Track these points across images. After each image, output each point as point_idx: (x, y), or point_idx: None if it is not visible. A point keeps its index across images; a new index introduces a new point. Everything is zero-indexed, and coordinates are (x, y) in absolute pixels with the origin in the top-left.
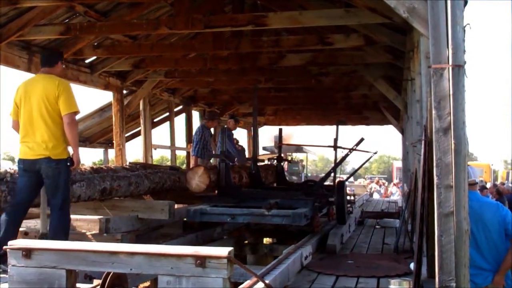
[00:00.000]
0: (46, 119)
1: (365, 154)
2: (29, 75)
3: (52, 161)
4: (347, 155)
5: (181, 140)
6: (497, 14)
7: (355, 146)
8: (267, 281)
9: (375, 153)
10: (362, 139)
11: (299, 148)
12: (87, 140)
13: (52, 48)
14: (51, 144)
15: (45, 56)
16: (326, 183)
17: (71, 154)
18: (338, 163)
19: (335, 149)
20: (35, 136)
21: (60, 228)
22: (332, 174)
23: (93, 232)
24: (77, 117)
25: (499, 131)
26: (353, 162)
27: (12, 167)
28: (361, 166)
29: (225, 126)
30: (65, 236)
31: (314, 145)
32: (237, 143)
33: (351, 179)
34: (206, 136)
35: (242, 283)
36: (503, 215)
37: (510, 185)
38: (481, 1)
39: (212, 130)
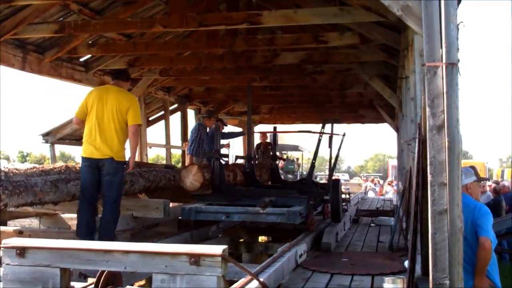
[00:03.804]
0: (115, 126)
1: (356, 151)
2: (23, 74)
3: (114, 161)
4: (319, 140)
5: (176, 138)
6: (497, 14)
7: (323, 129)
8: (261, 279)
9: (344, 135)
10: (336, 119)
11: (295, 147)
12: (82, 139)
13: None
14: (116, 147)
15: (118, 71)
16: (322, 181)
17: (127, 158)
18: (315, 152)
19: (311, 133)
20: (102, 138)
21: (112, 218)
22: (328, 172)
23: None
24: (71, 115)
25: (494, 129)
26: (348, 160)
27: (7, 166)
28: (338, 153)
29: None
30: (115, 225)
31: (289, 131)
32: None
33: (347, 177)
34: (202, 135)
35: (236, 281)
36: (476, 217)
37: (505, 183)
38: (480, 1)
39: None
